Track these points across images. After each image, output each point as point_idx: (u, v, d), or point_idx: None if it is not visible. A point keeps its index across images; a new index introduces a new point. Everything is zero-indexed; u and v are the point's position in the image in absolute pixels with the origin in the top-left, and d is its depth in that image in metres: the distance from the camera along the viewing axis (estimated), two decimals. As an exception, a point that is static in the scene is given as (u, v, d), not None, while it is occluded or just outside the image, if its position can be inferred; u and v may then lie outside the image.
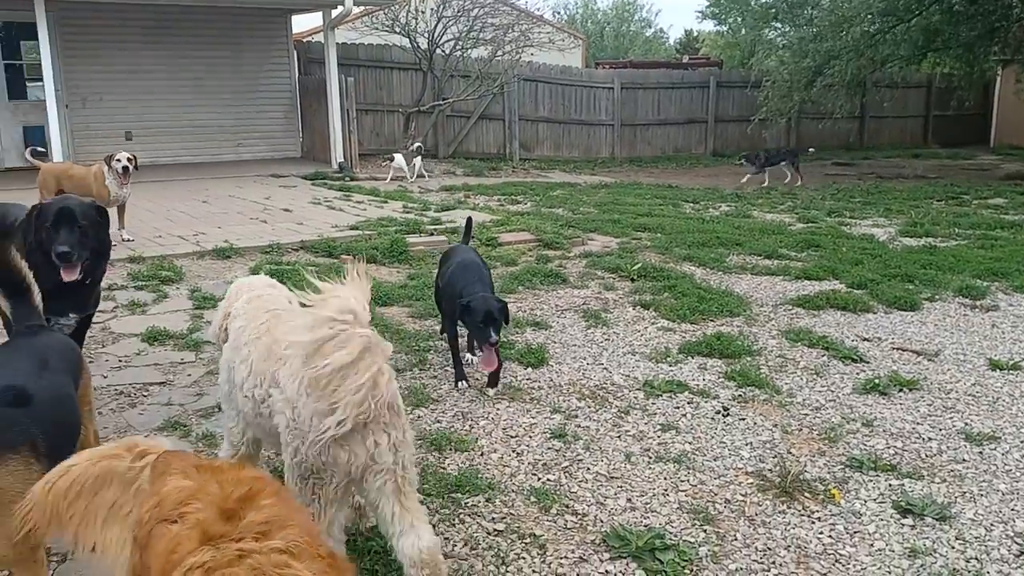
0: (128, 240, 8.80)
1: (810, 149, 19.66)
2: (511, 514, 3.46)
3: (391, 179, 15.05)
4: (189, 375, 5.13)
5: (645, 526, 3.36)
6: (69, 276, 4.05)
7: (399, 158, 15.24)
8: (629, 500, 3.59)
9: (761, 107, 19.44)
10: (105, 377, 5.06)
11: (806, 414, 4.58)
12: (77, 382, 2.98)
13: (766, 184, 16.57)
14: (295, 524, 1.78)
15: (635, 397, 4.79)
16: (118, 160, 8.61)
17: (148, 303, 6.66)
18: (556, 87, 21.24)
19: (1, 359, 2.85)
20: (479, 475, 3.78)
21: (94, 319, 5.81)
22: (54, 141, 13.24)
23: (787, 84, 18.80)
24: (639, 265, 8.00)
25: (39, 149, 10.13)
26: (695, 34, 51.36)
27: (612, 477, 3.80)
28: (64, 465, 2.16)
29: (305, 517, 1.92)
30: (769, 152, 17.93)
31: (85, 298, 4.29)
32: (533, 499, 3.58)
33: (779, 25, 24.10)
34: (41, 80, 13.51)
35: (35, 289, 3.15)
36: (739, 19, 26.00)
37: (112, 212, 8.80)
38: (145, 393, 4.83)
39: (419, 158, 15.62)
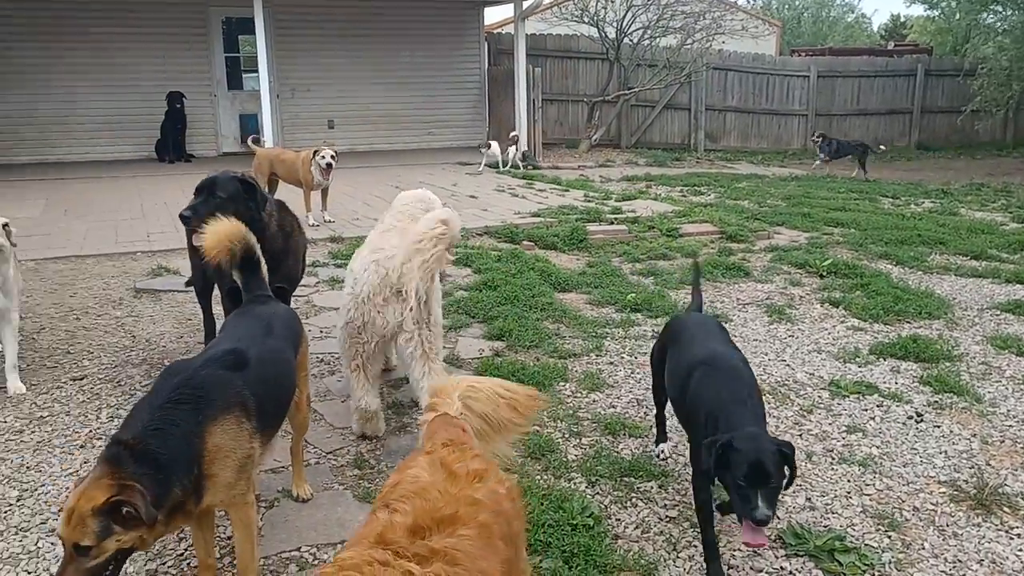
0: (329, 221, 9.44)
1: (881, 147, 18.06)
2: (684, 502, 3.45)
3: (483, 165, 14.88)
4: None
5: (824, 527, 3.25)
6: (198, 241, 4.37)
7: (495, 146, 14.99)
8: (808, 499, 3.48)
9: (975, 97, 17.94)
10: (309, 345, 5.47)
11: (1010, 426, 4.24)
12: (296, 349, 3.16)
13: (826, 172, 16.38)
14: (463, 567, 1.74)
15: (819, 396, 4.61)
16: (322, 156, 9.22)
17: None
18: (746, 75, 20.59)
19: (231, 324, 3.14)
20: (652, 461, 3.79)
21: (298, 293, 6.31)
22: (266, 128, 14.36)
23: (1006, 72, 17.25)
24: (829, 261, 7.64)
25: (258, 137, 11.05)
26: (902, 20, 48.03)
27: (791, 475, 3.69)
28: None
29: (485, 567, 1.81)
30: (841, 142, 17.03)
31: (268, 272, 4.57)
32: (707, 489, 3.55)
33: (999, 9, 22.07)
34: (256, 71, 14.70)
35: (263, 262, 3.41)
36: (953, 3, 24.05)
37: (316, 195, 9.50)
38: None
39: (514, 147, 15.08)
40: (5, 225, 4.53)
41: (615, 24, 18.28)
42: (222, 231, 3.24)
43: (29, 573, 2.96)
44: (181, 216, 4.34)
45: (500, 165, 14.97)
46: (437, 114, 18.51)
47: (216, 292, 4.91)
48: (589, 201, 11.13)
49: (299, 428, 3.46)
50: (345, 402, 4.53)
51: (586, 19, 18.30)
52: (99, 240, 8.50)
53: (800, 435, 4.11)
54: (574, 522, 3.19)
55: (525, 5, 16.13)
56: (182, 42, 16.50)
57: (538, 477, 3.65)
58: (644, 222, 9.56)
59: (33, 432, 4.12)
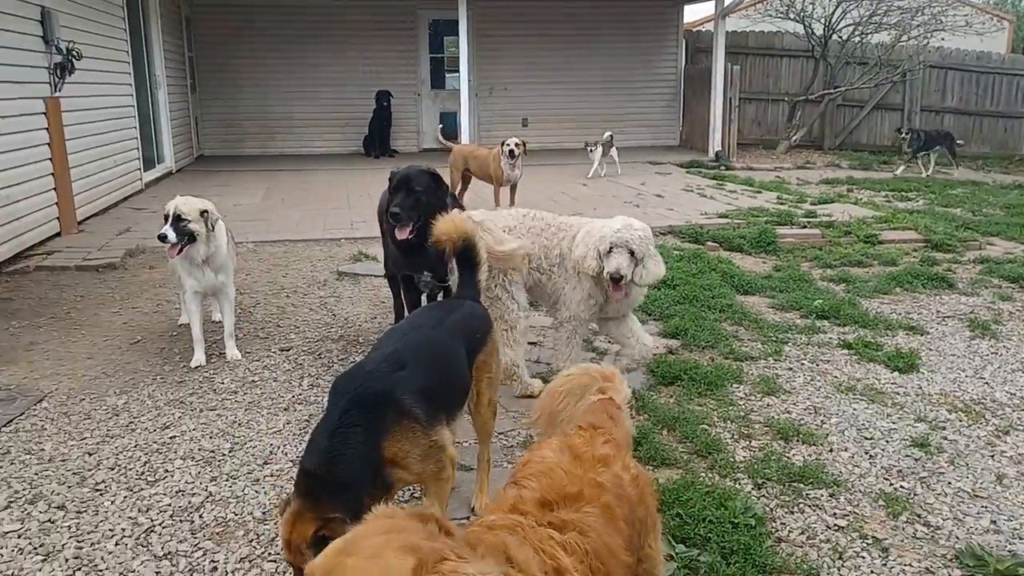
0: (517, 215, 9.73)
1: (959, 141, 15.85)
2: (855, 513, 3.34)
3: (594, 168, 13.56)
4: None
5: (1009, 551, 3.03)
6: (401, 235, 4.63)
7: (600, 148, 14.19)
8: (994, 522, 3.25)
9: None
10: (497, 350, 5.71)
11: None
12: (474, 347, 3.16)
13: (901, 170, 15.11)
14: (591, 539, 1.80)
15: (1018, 418, 4.27)
16: (507, 144, 9.54)
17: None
18: (968, 75, 19.02)
19: (409, 319, 3.29)
20: (824, 469, 3.68)
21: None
22: (463, 126, 14.98)
23: None
24: (1049, 276, 6.98)
25: (450, 133, 11.58)
26: None
27: (976, 496, 3.46)
28: (563, 374, 2.67)
29: (611, 542, 1.89)
30: (928, 133, 15.52)
31: (442, 261, 4.71)
32: (881, 503, 3.41)
33: None
34: (457, 71, 15.36)
35: (484, 267, 3.50)
36: None
37: (505, 190, 9.83)
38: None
39: (614, 148, 13.80)
40: (204, 212, 4.94)
41: (823, 20, 17.47)
42: (457, 223, 3.40)
43: (236, 515, 3.34)
44: (392, 214, 4.64)
45: (594, 164, 13.56)
46: (630, 113, 18.51)
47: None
48: (782, 204, 10.76)
49: (481, 432, 3.45)
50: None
51: (792, 15, 17.61)
52: (309, 226, 9.25)
53: (992, 456, 3.83)
54: (736, 521, 3.17)
55: (727, 2, 15.78)
56: (392, 43, 17.52)
57: (702, 474, 3.65)
58: (840, 227, 9.12)
59: (245, 394, 4.61)
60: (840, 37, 17.67)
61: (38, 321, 5.96)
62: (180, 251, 4.88)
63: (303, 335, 5.65)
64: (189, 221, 4.84)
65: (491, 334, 3.35)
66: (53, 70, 8.48)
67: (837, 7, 17.17)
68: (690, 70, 18.55)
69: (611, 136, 13.78)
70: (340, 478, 2.46)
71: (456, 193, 9.56)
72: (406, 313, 5.36)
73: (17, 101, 7.62)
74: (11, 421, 4.23)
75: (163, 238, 4.79)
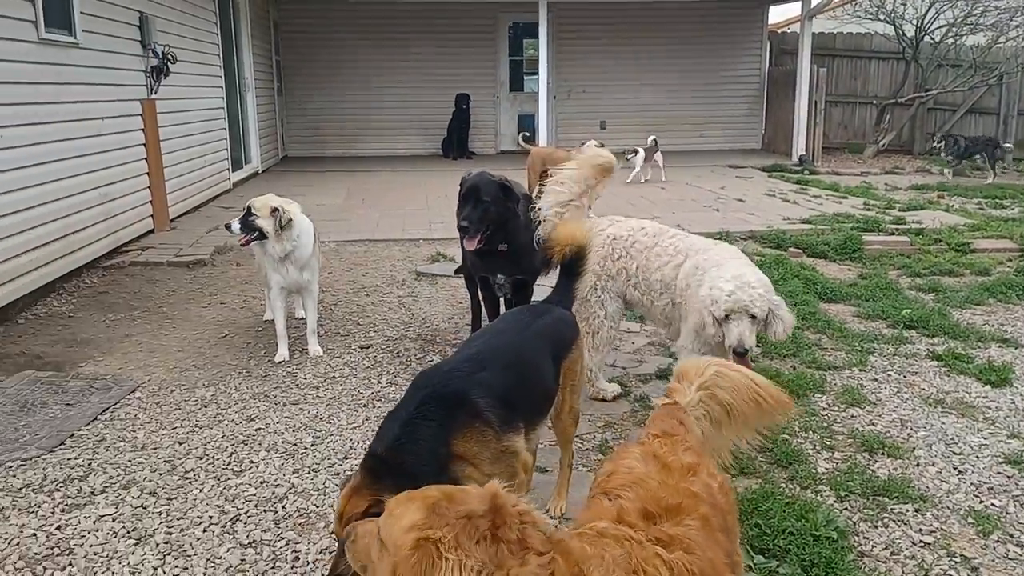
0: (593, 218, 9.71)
1: (1006, 145, 14.94)
2: (942, 530, 3.22)
3: (634, 174, 13.07)
4: (633, 343, 5.57)
5: (1111, 579, 2.89)
6: (469, 246, 4.69)
7: (641, 154, 13.38)
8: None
9: None
10: (582, 357, 5.72)
11: None
12: (559, 353, 3.14)
13: (951, 179, 14.01)
14: (697, 556, 1.79)
15: (1124, 437, 4.05)
16: (585, 146, 9.51)
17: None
18: (1072, 76, 18.09)
19: (496, 322, 3.31)
20: (911, 484, 3.57)
21: (545, 283, 6.59)
22: (541, 128, 15.02)
23: None
24: None
25: (528, 135, 11.61)
26: None
27: (1076, 518, 3.30)
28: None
29: (713, 557, 1.86)
30: (969, 140, 14.56)
31: (512, 264, 4.82)
32: (971, 520, 3.28)
33: None
34: (536, 74, 15.40)
35: (585, 278, 3.53)
36: None
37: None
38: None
39: (659, 153, 13.19)
40: (274, 210, 5.09)
41: (914, 21, 16.89)
42: (577, 233, 3.42)
43: (317, 507, 3.43)
44: (460, 227, 4.70)
45: (636, 170, 13.02)
46: (710, 116, 18.25)
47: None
48: (868, 209, 10.45)
49: (561, 438, 3.43)
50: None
51: (882, 16, 17.06)
52: (389, 227, 9.41)
53: (1094, 478, 3.65)
54: (817, 533, 3.10)
55: (814, 3, 15.42)
56: (472, 46, 17.68)
57: (783, 485, 3.58)
58: (930, 234, 8.81)
59: (327, 389, 4.72)
60: (932, 38, 17.05)
61: (132, 314, 6.22)
62: (247, 243, 5.15)
63: (382, 333, 5.76)
64: (257, 217, 5.04)
65: (577, 341, 3.32)
66: (149, 73, 8.84)
67: (930, 8, 16.57)
68: (774, 72, 18.18)
69: (655, 140, 13.42)
70: (404, 464, 2.49)
71: (534, 196, 9.58)
72: (483, 313, 5.42)
73: (116, 103, 7.97)
74: (107, 409, 4.42)
75: (228, 227, 5.12)
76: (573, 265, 3.47)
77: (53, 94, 6.63)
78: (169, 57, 9.09)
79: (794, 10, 17.46)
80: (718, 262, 3.99)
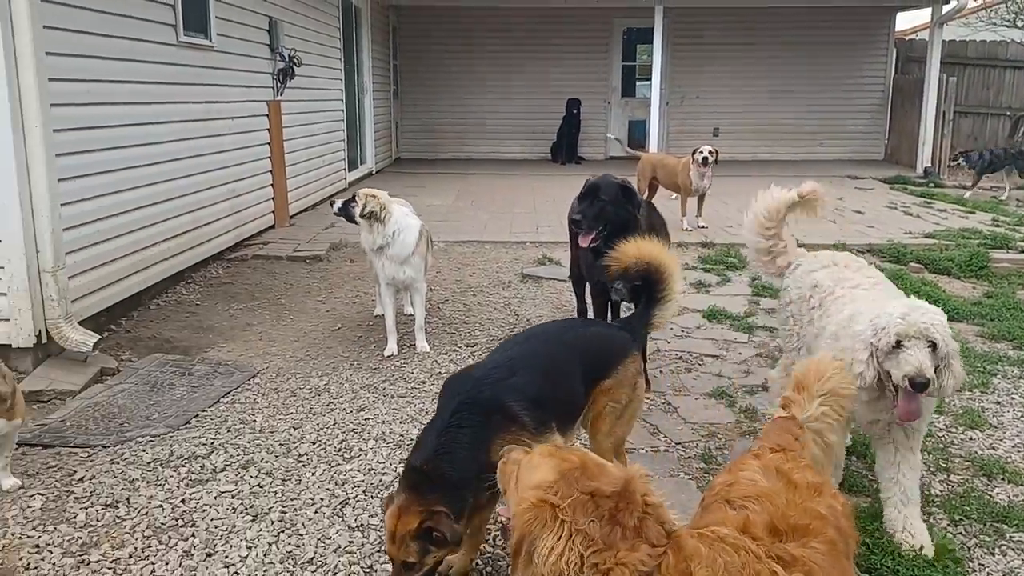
0: (703, 227, 9.58)
1: None
2: (1067, 564, 3.06)
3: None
4: (740, 354, 5.48)
5: None
6: (583, 242, 4.65)
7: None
8: None
9: None
10: (668, 343, 5.70)
11: None
12: (602, 375, 3.07)
13: (970, 194, 12.84)
14: None
15: None
16: (700, 152, 9.39)
17: (712, 284, 7.22)
18: None
19: (527, 331, 3.28)
20: (1034, 513, 3.39)
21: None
22: (652, 134, 14.90)
23: None
24: None
25: (618, 139, 11.49)
26: None
27: None
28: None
29: None
30: (995, 153, 13.23)
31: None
32: (1100, 556, 3.10)
33: None
34: (649, 79, 15.29)
35: (668, 307, 3.33)
36: None
37: (692, 201, 9.68)
38: (700, 363, 5.32)
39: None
40: (370, 196, 5.41)
41: (1056, 28, 15.95)
42: (635, 249, 3.30)
43: (419, 496, 3.53)
44: (573, 220, 4.72)
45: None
46: (829, 125, 17.67)
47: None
48: (997, 226, 9.92)
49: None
50: (700, 399, 4.67)
51: (1020, 23, 16.19)
52: (497, 229, 9.55)
53: None
54: (928, 556, 2.99)
55: (945, 9, 14.73)
56: (585, 52, 17.71)
57: (893, 505, 3.46)
58: (1065, 253, 8.30)
59: (432, 384, 4.84)
60: (1076, 45, 16.06)
61: (253, 304, 6.53)
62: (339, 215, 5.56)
63: (487, 333, 5.86)
64: (355, 204, 5.33)
65: (626, 364, 3.13)
66: (276, 75, 9.26)
67: (1074, 13, 15.62)
68: (899, 80, 17.45)
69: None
70: (446, 476, 2.52)
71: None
72: (590, 316, 5.45)
73: (245, 103, 8.39)
74: (228, 393, 4.67)
75: (332, 203, 5.63)
76: (651, 286, 3.30)
77: (189, 94, 7.04)
78: (295, 60, 9.49)
79: (923, 17, 16.74)
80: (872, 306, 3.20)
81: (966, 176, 14.58)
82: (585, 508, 1.66)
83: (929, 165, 14.91)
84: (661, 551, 1.63)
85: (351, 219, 5.38)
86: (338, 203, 5.52)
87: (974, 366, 5.16)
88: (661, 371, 5.15)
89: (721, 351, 5.51)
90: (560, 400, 2.93)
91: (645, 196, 10.03)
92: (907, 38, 19.03)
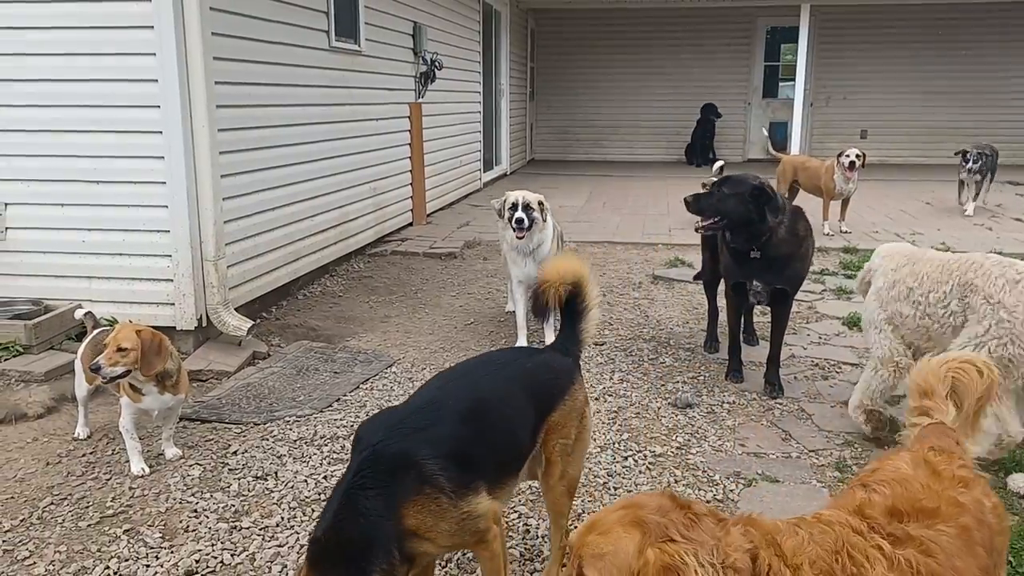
0: (846, 232, 9.23)
1: None
2: None
3: None
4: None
5: None
6: (702, 225, 4.73)
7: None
8: None
9: None
10: (805, 349, 5.55)
11: None
12: (550, 409, 2.71)
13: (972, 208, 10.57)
14: (937, 561, 1.70)
15: None
16: (846, 155, 9.04)
17: (853, 291, 6.95)
18: None
19: (461, 365, 2.88)
20: None
21: (803, 298, 6.38)
22: (794, 136, 14.45)
23: None
24: None
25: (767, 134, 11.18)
26: None
27: None
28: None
29: (962, 567, 1.75)
30: (984, 151, 10.55)
31: (772, 272, 4.64)
32: None
33: None
34: (792, 80, 14.83)
35: (591, 317, 3.03)
36: None
37: (835, 205, 9.35)
38: (838, 370, 5.15)
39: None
40: (540, 202, 5.48)
41: None
42: (566, 265, 2.99)
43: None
44: (685, 200, 4.76)
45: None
46: (987, 127, 16.53)
47: (722, 286, 5.25)
48: None
49: (552, 511, 2.88)
50: (836, 407, 4.53)
51: None
52: (628, 230, 9.53)
53: None
54: (1083, 583, 2.81)
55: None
56: (726, 52, 17.37)
57: (1046, 527, 3.27)
58: None
59: (561, 380, 4.91)
60: None
61: (391, 298, 6.81)
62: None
63: (616, 332, 5.88)
64: (534, 210, 5.46)
65: (572, 392, 2.78)
66: (418, 78, 9.59)
67: None
68: (1072, 78, 16.20)
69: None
70: (347, 548, 2.16)
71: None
72: (720, 319, 5.38)
73: (389, 105, 8.74)
74: (368, 380, 4.91)
75: (511, 213, 5.48)
76: (573, 302, 2.97)
77: (338, 97, 7.41)
78: (436, 64, 9.80)
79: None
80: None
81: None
82: (677, 526, 1.61)
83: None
84: (743, 528, 1.63)
85: (531, 226, 5.41)
86: (519, 214, 5.36)
87: None
88: (796, 377, 5.02)
89: (861, 359, 5.31)
90: (497, 451, 2.51)
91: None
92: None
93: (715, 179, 6.14)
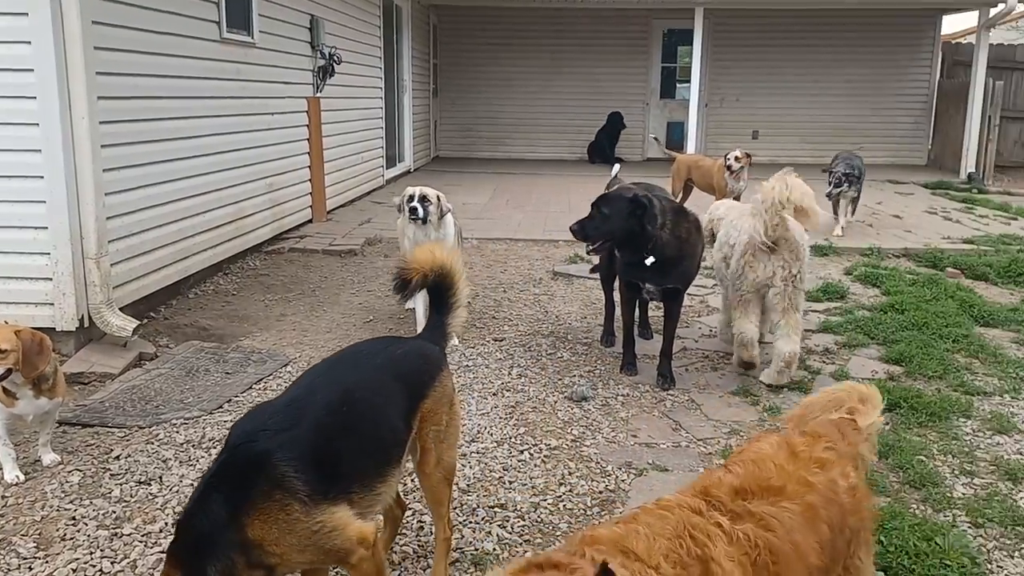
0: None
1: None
2: (1088, 568, 3.03)
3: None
4: (767, 353, 5.46)
5: None
6: (589, 249, 4.91)
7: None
8: None
9: None
10: (696, 341, 5.72)
11: None
12: (422, 396, 2.69)
13: (840, 229, 9.24)
14: (776, 535, 1.80)
15: None
16: (728, 156, 9.34)
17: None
18: None
19: (332, 357, 2.79)
20: (1057, 518, 3.36)
21: (695, 292, 6.55)
22: (690, 136, 14.85)
23: None
24: None
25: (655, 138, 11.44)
26: None
27: None
28: (826, 389, 2.64)
29: (801, 541, 1.86)
30: (851, 171, 9.25)
31: (661, 273, 4.80)
32: (1122, 562, 3.07)
33: None
34: (688, 81, 15.24)
35: (459, 313, 3.04)
36: None
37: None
38: (726, 361, 5.32)
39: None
40: (439, 196, 5.62)
41: (1109, 31, 15.58)
42: (433, 255, 2.99)
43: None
44: (571, 229, 4.85)
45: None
46: (871, 128, 17.41)
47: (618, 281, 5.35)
48: (1040, 232, 9.74)
49: (431, 502, 2.88)
50: (724, 397, 4.69)
51: (1070, 26, 15.86)
52: (530, 227, 9.61)
53: None
54: (944, 557, 2.99)
55: (992, 13, 14.47)
56: (625, 53, 17.68)
57: (913, 505, 3.46)
58: (1109, 262, 8.13)
59: (460, 377, 4.91)
60: None
61: (288, 296, 6.68)
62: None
63: (516, 328, 5.92)
64: (431, 203, 5.60)
65: (441, 379, 2.79)
66: (316, 72, 9.42)
67: None
68: (945, 85, 17.16)
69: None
70: (191, 548, 2.11)
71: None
72: (617, 313, 5.49)
73: (285, 100, 8.55)
74: (261, 380, 4.80)
75: (408, 204, 5.65)
76: (441, 294, 2.99)
77: (231, 90, 7.20)
78: (335, 58, 9.64)
79: (971, 20, 16.44)
80: None
81: (1010, 183, 14.22)
82: None
83: (973, 171, 14.67)
84: (576, 561, 1.58)
85: (425, 220, 5.54)
86: (413, 204, 5.54)
87: (1006, 372, 5.10)
88: (687, 369, 5.17)
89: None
90: (367, 447, 2.43)
91: (680, 197, 10.02)
92: (954, 42, 18.70)
93: (613, 179, 6.28)
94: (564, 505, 3.47)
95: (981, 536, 3.24)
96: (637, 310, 5.54)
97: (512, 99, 17.96)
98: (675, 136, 17.24)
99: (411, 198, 5.60)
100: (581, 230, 4.80)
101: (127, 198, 5.51)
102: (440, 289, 2.98)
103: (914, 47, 17.35)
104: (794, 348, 4.74)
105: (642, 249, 4.72)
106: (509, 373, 5.00)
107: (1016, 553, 3.13)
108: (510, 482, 3.67)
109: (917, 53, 17.40)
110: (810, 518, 1.92)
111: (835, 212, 9.31)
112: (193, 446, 3.92)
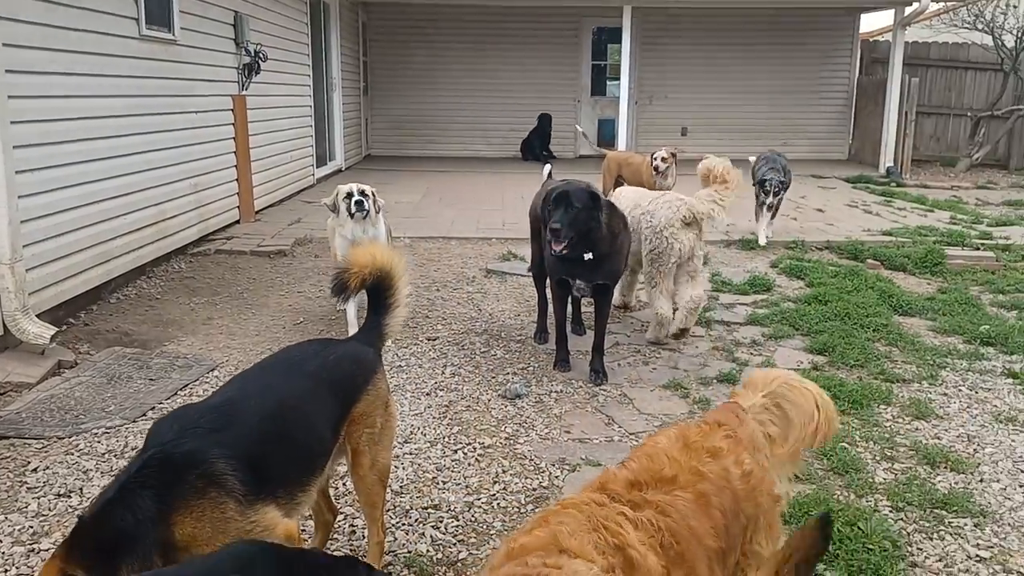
0: (668, 223, 9.66)
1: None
2: (1000, 546, 3.16)
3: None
4: (697, 347, 5.57)
5: None
6: (556, 247, 4.66)
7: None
8: None
9: None
10: (628, 336, 5.79)
11: None
12: (354, 400, 2.69)
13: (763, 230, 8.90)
14: (673, 520, 1.92)
15: None
16: (654, 157, 9.46)
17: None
18: None
19: (265, 361, 2.77)
20: (972, 499, 3.50)
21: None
22: (621, 133, 15.00)
23: None
24: None
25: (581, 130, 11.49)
26: None
27: None
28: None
29: (696, 525, 1.96)
30: (779, 165, 8.92)
31: (593, 269, 4.85)
32: (1032, 539, 3.21)
33: None
34: (618, 79, 15.40)
35: (397, 314, 3.02)
36: None
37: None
38: (658, 355, 5.40)
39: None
40: (373, 193, 5.76)
41: (1015, 32, 16.26)
42: (376, 256, 2.95)
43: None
44: (552, 230, 4.65)
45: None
46: (795, 124, 17.86)
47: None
48: (954, 224, 10.13)
49: (365, 504, 2.85)
50: (655, 391, 4.75)
51: (980, 26, 16.48)
52: (463, 225, 9.58)
53: None
54: (867, 541, 3.08)
55: (907, 11, 14.97)
56: (555, 51, 17.77)
57: (836, 491, 3.56)
58: (1018, 250, 8.51)
59: (392, 377, 4.87)
60: (1034, 49, 16.38)
61: (215, 299, 6.52)
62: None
63: (449, 327, 5.90)
64: (368, 199, 5.70)
65: (375, 381, 2.78)
66: (241, 70, 9.22)
67: (1033, 17, 15.94)
68: (864, 81, 17.72)
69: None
70: (106, 539, 2.04)
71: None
72: (550, 310, 5.51)
73: (209, 98, 8.35)
74: (187, 386, 4.67)
75: (347, 202, 5.72)
76: (380, 294, 2.95)
77: (152, 88, 7.00)
78: (261, 55, 9.45)
79: (887, 19, 17.00)
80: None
81: (963, 178, 14.61)
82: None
83: (892, 164, 15.16)
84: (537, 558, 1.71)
85: (364, 215, 5.64)
86: (357, 197, 5.63)
87: (923, 359, 5.29)
88: (619, 364, 5.22)
89: (679, 345, 5.59)
90: (293, 455, 2.44)
91: (610, 194, 10.12)
92: (872, 39, 19.32)
93: (547, 179, 6.29)
94: (498, 504, 3.47)
95: (902, 520, 3.35)
96: (570, 306, 5.58)
97: (444, 97, 17.88)
98: (606, 133, 17.40)
99: (350, 195, 5.63)
100: (563, 228, 4.62)
101: (43, 200, 5.31)
102: (379, 289, 2.95)
103: (834, 45, 17.87)
104: (700, 292, 5.49)
105: (590, 244, 4.75)
106: (442, 372, 4.98)
107: (935, 535, 3.24)
108: (444, 482, 3.65)
109: (837, 51, 17.92)
110: (703, 505, 2.02)
111: (757, 218, 9.00)
112: (115, 456, 3.80)
